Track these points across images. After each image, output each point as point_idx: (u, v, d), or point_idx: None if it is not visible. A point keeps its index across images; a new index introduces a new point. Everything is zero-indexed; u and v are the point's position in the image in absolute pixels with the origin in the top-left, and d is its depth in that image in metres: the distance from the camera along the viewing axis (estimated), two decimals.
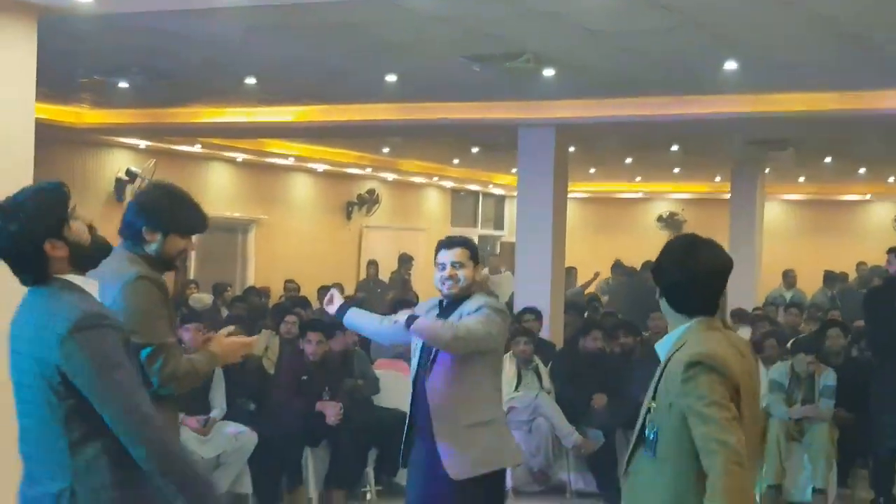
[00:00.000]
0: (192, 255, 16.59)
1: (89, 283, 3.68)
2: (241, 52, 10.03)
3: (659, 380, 3.77)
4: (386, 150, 19.59)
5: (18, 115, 6.41)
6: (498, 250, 24.48)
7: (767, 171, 17.84)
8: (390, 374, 10.18)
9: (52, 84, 10.75)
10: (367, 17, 8.49)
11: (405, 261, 19.13)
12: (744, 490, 3.52)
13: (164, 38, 9.43)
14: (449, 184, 24.68)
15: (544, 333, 11.77)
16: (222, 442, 8.58)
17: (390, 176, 22.81)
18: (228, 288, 15.53)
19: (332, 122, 13.97)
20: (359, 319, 5.70)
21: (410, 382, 5.54)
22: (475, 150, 18.30)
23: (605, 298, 17.47)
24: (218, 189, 18.65)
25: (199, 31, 9.12)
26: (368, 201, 22.59)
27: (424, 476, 5.41)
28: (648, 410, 3.75)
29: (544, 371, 10.29)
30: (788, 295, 17.77)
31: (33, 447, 3.59)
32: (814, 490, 9.51)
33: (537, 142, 12.99)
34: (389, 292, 17.44)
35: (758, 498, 9.64)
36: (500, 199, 26.73)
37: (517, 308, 12.01)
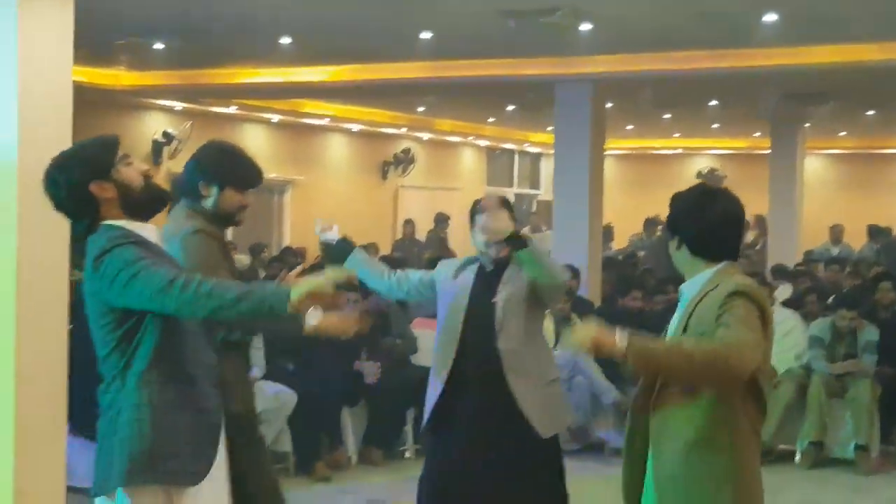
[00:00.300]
0: None
1: (147, 228, 3.76)
2: (276, 11, 10.00)
3: (690, 316, 3.83)
4: (421, 109, 19.55)
5: (57, 78, 6.42)
6: (534, 209, 24.40)
7: (807, 125, 17.66)
8: (428, 333, 10.16)
9: (89, 46, 10.73)
10: None
11: (441, 220, 19.12)
12: (717, 368, 3.56)
13: None
14: (484, 142, 24.60)
15: (582, 291, 11.73)
16: (262, 401, 8.61)
17: (425, 135, 22.77)
18: (265, 249, 15.57)
19: (367, 81, 13.93)
20: (363, 262, 5.63)
21: (457, 339, 5.39)
22: (510, 107, 18.23)
23: (641, 255, 17.40)
24: (253, 150, 18.27)
25: None
26: (404, 161, 22.56)
27: (498, 434, 5.33)
28: None
29: None
30: (835, 250, 17.64)
31: (102, 381, 3.74)
32: (856, 447, 9.45)
33: (574, 98, 12.89)
34: (426, 251, 17.44)
35: (799, 455, 9.62)
36: (536, 158, 26.62)
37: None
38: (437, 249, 17.10)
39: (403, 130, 21.91)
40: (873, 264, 15.21)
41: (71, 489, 6.41)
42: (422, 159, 23.04)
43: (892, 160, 24.45)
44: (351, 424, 9.19)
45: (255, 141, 18.82)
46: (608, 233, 16.76)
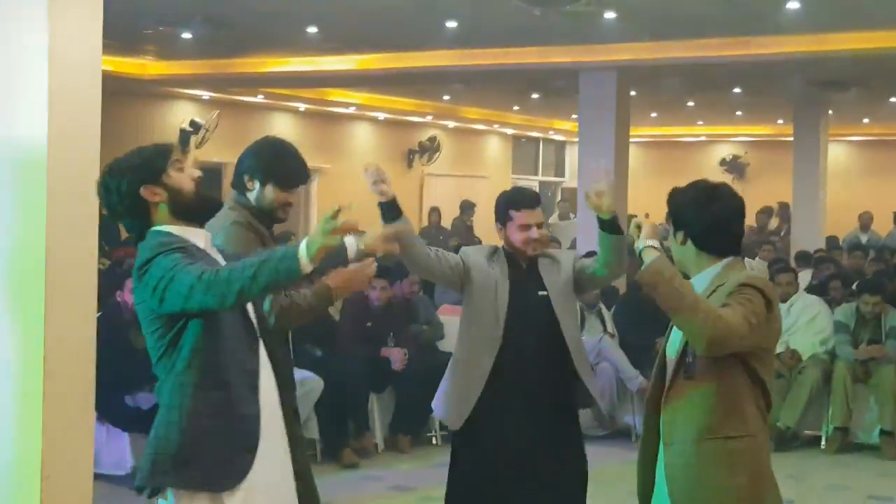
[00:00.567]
0: None
1: (197, 233, 3.78)
2: (303, 0, 10.06)
3: None
4: (446, 97, 19.58)
5: (86, 70, 6.45)
6: (559, 197, 24.43)
7: (831, 112, 17.64)
8: (454, 319, 10.21)
9: (117, 36, 10.84)
10: None
11: (467, 208, 19.15)
12: (708, 329, 3.60)
13: None
14: (509, 130, 24.63)
15: None
16: None
17: (451, 123, 22.81)
18: (292, 237, 15.63)
19: (393, 70, 13.99)
20: (412, 236, 5.50)
21: (501, 331, 5.28)
22: (535, 95, 18.26)
23: (666, 243, 17.37)
24: None
25: None
26: (430, 149, 22.61)
27: (554, 421, 5.33)
28: (687, 342, 3.82)
29: (607, 315, 10.31)
30: (864, 237, 17.61)
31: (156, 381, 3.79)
32: (881, 432, 9.48)
33: (598, 86, 12.93)
34: (452, 239, 17.49)
35: (824, 440, 9.64)
36: (561, 145, 26.63)
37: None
38: (462, 237, 17.15)
39: (429, 118, 21.96)
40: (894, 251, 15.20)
41: (98, 476, 6.46)
42: (447, 147, 23.08)
43: None
44: (378, 411, 9.23)
45: (282, 130, 18.87)
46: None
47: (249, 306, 3.85)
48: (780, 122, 21.67)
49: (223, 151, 16.57)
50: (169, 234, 3.69)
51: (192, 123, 17.27)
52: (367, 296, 9.41)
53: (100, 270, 6.86)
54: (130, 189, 3.70)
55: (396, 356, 9.19)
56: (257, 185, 4.49)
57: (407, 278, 9.70)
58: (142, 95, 16.36)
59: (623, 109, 13.17)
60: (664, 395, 3.92)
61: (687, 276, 3.94)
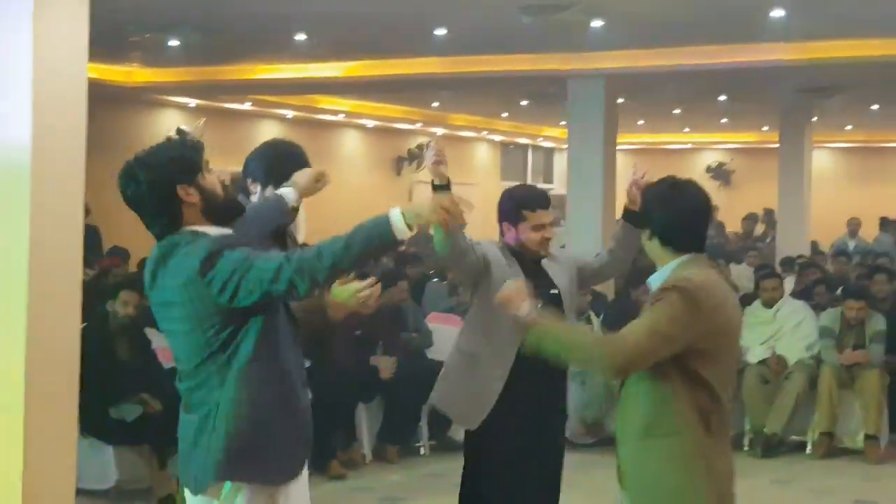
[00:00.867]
0: None
1: (227, 234, 3.77)
2: (291, 7, 10.08)
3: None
4: (435, 104, 19.61)
5: (72, 76, 6.42)
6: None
7: (815, 119, 17.73)
8: (442, 328, 10.22)
9: (103, 42, 10.84)
10: None
11: None
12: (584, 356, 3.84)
13: None
14: (498, 137, 24.66)
15: None
16: None
17: (440, 130, 22.83)
18: None
19: (382, 77, 14.02)
20: None
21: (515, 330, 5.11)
22: (524, 102, 18.30)
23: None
24: None
25: None
26: (418, 156, 22.62)
27: (555, 423, 5.41)
28: None
29: (596, 321, 10.32)
30: (852, 244, 17.69)
31: (191, 381, 3.74)
32: (866, 436, 9.51)
33: (587, 93, 12.97)
34: None
35: (810, 445, 9.67)
36: (549, 152, 26.67)
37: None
38: None
39: (418, 126, 21.98)
40: (877, 256, 15.28)
41: (81, 491, 6.35)
42: None
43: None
44: (366, 421, 9.16)
45: (270, 137, 18.83)
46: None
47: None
48: (766, 129, 21.75)
49: (210, 159, 16.52)
50: (206, 234, 3.68)
51: (179, 131, 17.21)
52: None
53: (84, 281, 6.78)
54: (166, 185, 3.65)
55: (385, 365, 9.13)
56: (259, 188, 4.41)
57: (396, 286, 9.70)
58: (128, 103, 16.35)
59: (611, 116, 13.21)
60: (618, 397, 4.03)
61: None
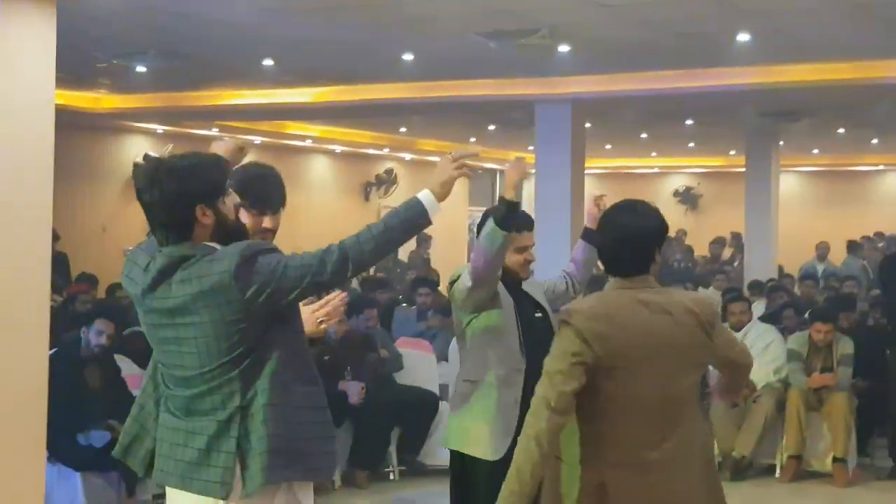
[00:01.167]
0: None
1: None
2: (258, 33, 10.08)
3: None
4: (403, 129, 19.63)
5: (38, 101, 6.42)
6: None
7: (781, 143, 17.85)
8: (412, 353, 10.22)
9: (70, 69, 10.83)
10: None
11: (424, 240, 19.12)
12: (532, 439, 3.68)
13: (181, 21, 9.50)
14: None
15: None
16: None
17: (408, 156, 22.86)
18: None
19: (349, 102, 14.02)
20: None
21: (524, 354, 5.18)
22: (492, 127, 18.33)
23: None
24: None
25: (215, 12, 9.18)
26: (386, 181, 22.65)
27: None
28: None
29: None
30: (821, 267, 17.79)
31: (200, 386, 3.71)
32: (834, 459, 9.54)
33: (554, 118, 13.01)
34: (410, 272, 17.47)
35: (779, 469, 9.70)
36: None
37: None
38: (420, 270, 17.14)
39: (386, 151, 21.99)
40: (844, 278, 15.37)
41: None
42: (404, 180, 23.12)
43: (862, 177, 24.79)
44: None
45: (238, 163, 18.80)
46: None
47: None
48: (733, 153, 21.87)
49: None
50: (220, 248, 3.70)
51: (146, 158, 17.20)
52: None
53: (52, 307, 6.74)
54: (186, 203, 3.65)
55: (353, 390, 9.09)
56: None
57: (363, 314, 9.70)
58: (95, 129, 16.29)
59: (578, 141, 13.25)
60: None
61: None
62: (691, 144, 21.50)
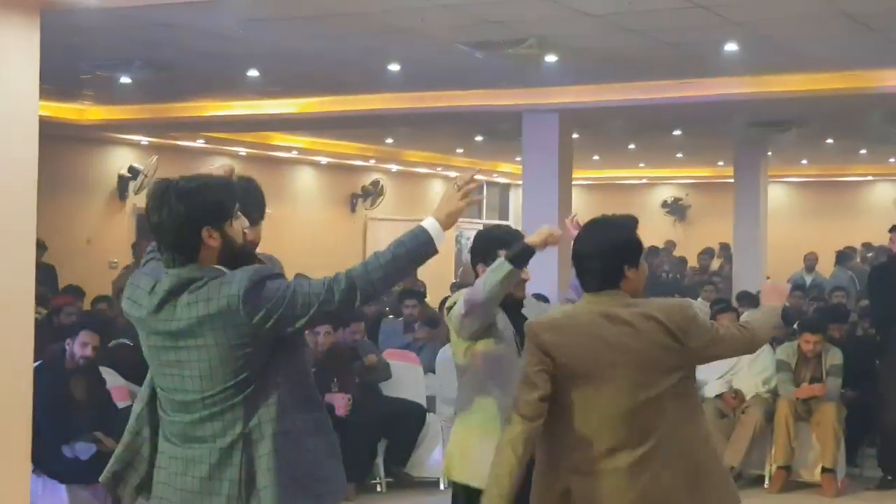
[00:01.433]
0: None
1: None
2: (243, 44, 10.04)
3: None
4: (389, 140, 19.60)
5: (22, 113, 6.39)
6: None
7: (770, 153, 17.85)
8: (399, 364, 10.18)
9: (54, 81, 10.78)
10: (368, 5, 8.50)
11: None
12: (507, 445, 3.89)
13: (166, 32, 9.46)
14: (453, 173, 24.63)
15: None
16: None
17: (394, 167, 22.82)
18: None
19: (335, 113, 13.98)
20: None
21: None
22: (479, 138, 18.31)
23: None
24: None
25: (200, 23, 9.14)
26: (373, 193, 22.60)
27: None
28: None
29: None
30: (809, 278, 17.79)
31: (201, 412, 3.67)
32: (823, 470, 9.51)
33: (541, 128, 12.98)
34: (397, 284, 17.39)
35: (767, 479, 9.67)
36: (505, 188, 26.71)
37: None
38: (407, 281, 17.07)
39: (372, 162, 21.95)
40: (833, 290, 15.37)
41: None
42: (390, 191, 23.08)
43: (851, 187, 24.80)
44: None
45: None
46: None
47: None
48: (721, 163, 21.87)
49: None
50: (228, 271, 3.68)
51: (131, 169, 17.15)
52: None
53: (37, 319, 6.72)
54: (193, 225, 3.64)
55: (340, 402, 9.04)
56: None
57: (350, 326, 9.67)
58: (80, 141, 16.22)
59: (566, 152, 13.22)
60: None
61: None
62: (679, 155, 21.49)
